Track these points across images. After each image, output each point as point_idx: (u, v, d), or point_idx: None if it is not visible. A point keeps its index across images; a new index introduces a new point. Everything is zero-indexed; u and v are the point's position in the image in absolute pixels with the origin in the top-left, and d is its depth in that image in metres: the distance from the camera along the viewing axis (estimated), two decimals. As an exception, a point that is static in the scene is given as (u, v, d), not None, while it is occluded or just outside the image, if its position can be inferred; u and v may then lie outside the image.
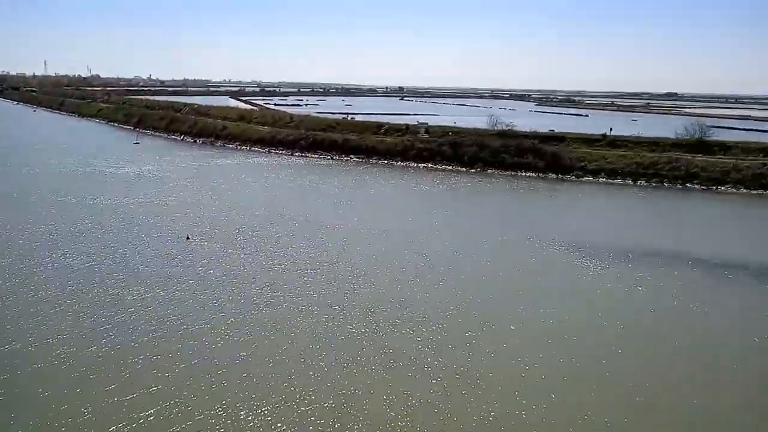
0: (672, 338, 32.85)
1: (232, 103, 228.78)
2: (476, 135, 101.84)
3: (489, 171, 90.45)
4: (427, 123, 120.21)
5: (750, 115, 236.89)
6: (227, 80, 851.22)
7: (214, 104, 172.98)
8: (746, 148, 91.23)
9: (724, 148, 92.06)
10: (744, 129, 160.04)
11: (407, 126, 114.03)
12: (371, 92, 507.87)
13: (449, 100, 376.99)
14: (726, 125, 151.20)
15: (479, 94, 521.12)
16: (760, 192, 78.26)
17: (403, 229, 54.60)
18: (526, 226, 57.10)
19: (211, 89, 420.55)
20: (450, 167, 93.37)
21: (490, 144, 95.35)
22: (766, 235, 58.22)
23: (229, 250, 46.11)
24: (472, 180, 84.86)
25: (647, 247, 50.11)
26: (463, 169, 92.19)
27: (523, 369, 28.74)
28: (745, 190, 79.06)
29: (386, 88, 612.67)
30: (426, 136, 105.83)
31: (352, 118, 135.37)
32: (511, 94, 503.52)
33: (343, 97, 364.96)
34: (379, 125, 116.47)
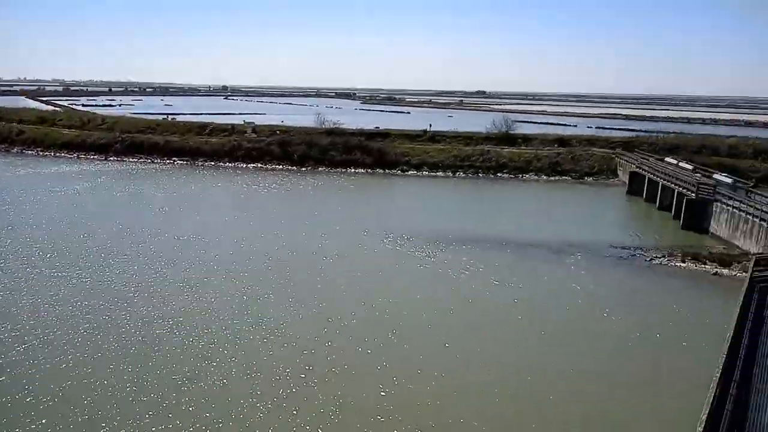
0: (501, 313, 36.14)
1: (31, 103, 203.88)
2: (305, 133, 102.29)
3: (319, 169, 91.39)
4: (254, 122, 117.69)
5: (545, 110, 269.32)
6: (22, 78, 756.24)
7: (7, 105, 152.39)
8: (544, 140, 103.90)
9: (527, 140, 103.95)
10: (542, 123, 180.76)
11: (233, 126, 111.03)
12: (193, 91, 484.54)
13: (275, 99, 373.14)
14: (527, 119, 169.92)
15: (305, 93, 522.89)
16: (556, 178, 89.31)
17: (234, 230, 53.02)
18: (359, 221, 58.70)
19: (2, 88, 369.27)
20: (280, 166, 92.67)
21: (319, 142, 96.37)
22: (560, 216, 66.01)
23: (35, 270, 41.07)
24: (302, 178, 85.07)
25: (468, 233, 54.46)
26: (294, 167, 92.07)
27: (366, 359, 29.58)
28: (545, 177, 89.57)
29: (209, 86, 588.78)
30: (254, 135, 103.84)
31: (173, 119, 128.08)
32: (336, 93, 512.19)
33: (162, 97, 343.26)
34: (204, 125, 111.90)
